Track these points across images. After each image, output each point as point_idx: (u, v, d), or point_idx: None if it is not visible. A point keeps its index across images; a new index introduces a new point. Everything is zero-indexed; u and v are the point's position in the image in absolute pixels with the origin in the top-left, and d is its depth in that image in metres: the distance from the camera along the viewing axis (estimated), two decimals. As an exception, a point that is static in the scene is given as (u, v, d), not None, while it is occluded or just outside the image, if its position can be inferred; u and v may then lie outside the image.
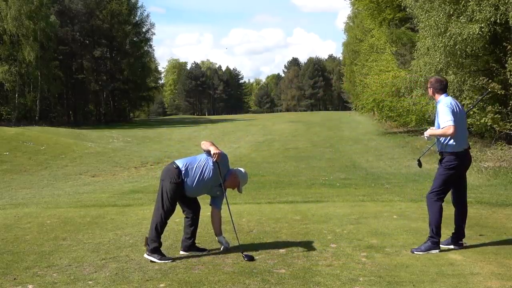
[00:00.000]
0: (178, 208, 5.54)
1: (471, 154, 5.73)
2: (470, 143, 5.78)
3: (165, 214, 5.33)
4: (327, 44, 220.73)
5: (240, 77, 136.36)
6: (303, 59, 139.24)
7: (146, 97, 66.22)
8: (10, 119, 44.72)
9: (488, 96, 14.78)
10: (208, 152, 5.43)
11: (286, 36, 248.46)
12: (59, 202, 10.92)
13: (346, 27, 58.26)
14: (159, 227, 5.32)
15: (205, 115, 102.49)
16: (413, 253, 5.32)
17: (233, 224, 5.61)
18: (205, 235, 6.27)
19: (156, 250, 5.25)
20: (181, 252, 5.55)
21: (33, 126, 38.59)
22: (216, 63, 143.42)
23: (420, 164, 6.14)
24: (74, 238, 6.49)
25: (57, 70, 51.22)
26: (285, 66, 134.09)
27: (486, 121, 15.12)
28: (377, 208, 8.24)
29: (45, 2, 47.92)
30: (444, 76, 14.85)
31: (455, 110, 5.38)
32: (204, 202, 5.82)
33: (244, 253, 5.22)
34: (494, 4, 14.06)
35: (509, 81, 14.87)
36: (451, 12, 15.30)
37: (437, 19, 15.59)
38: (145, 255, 5.28)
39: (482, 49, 15.89)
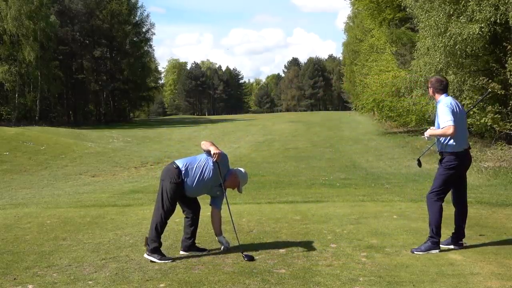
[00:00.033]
0: (178, 208, 5.54)
1: (471, 154, 5.72)
2: (470, 143, 5.78)
3: (165, 214, 5.33)
4: (327, 44, 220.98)
5: (240, 77, 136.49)
6: (303, 59, 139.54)
7: (146, 97, 66.24)
8: (10, 119, 44.72)
9: (488, 96, 14.78)
10: (208, 152, 5.43)
11: (286, 36, 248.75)
12: (59, 202, 10.92)
13: (346, 27, 58.29)
14: (159, 227, 5.32)
15: (205, 115, 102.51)
16: (413, 253, 5.32)
17: (233, 224, 5.61)
18: (205, 235, 6.27)
19: (156, 250, 5.25)
20: (181, 252, 5.55)
21: (33, 126, 38.59)
22: (216, 63, 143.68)
23: (419, 164, 6.14)
24: (74, 238, 6.49)
25: (57, 70, 51.23)
26: (285, 66, 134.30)
27: (486, 121, 15.12)
28: (377, 208, 8.24)
29: (45, 2, 47.92)
30: (444, 76, 14.85)
31: (455, 110, 5.38)
32: (204, 202, 5.82)
33: (244, 253, 5.22)
34: (494, 4, 14.06)
35: (509, 81, 14.87)
36: (451, 12, 15.30)
37: (437, 19, 15.59)
38: (145, 255, 5.28)
39: (482, 49, 15.89)
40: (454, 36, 14.94)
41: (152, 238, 5.28)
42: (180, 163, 5.42)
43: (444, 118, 5.29)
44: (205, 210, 5.91)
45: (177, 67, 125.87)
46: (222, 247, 5.56)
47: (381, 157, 20.60)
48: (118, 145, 29.76)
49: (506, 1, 13.73)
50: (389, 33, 29.61)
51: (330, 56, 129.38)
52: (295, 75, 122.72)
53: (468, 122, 12.53)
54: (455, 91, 15.88)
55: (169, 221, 5.46)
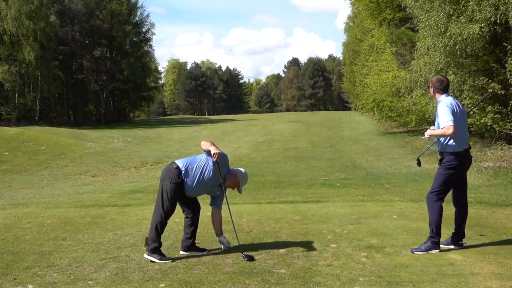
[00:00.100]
0: (178, 208, 5.54)
1: (471, 154, 5.72)
2: (470, 143, 5.78)
3: (165, 214, 5.33)
4: (327, 44, 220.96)
5: (240, 77, 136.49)
6: (303, 59, 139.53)
7: (146, 97, 66.24)
8: (10, 119, 44.72)
9: (488, 96, 14.79)
10: (208, 152, 5.43)
11: (286, 36, 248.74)
12: (59, 202, 10.92)
13: (346, 27, 58.31)
14: (159, 227, 5.32)
15: (205, 115, 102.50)
16: (413, 253, 5.32)
17: (233, 224, 5.61)
18: (205, 235, 6.27)
19: (156, 250, 5.25)
20: (181, 252, 5.55)
21: (33, 126, 38.60)
22: (216, 63, 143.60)
23: (419, 163, 6.13)
24: (74, 238, 6.49)
25: (57, 70, 51.23)
26: (285, 66, 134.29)
27: (486, 121, 15.12)
28: (377, 208, 8.24)
29: (45, 2, 47.92)
30: (445, 76, 14.84)
31: (455, 110, 5.38)
32: (204, 202, 5.82)
33: (244, 253, 5.22)
34: (494, 4, 14.06)
35: (509, 81, 14.87)
36: (451, 12, 15.30)
37: (437, 19, 15.60)
38: (145, 255, 5.28)
39: (482, 49, 15.90)
40: (454, 36, 14.94)
41: (152, 238, 5.28)
42: (180, 163, 5.42)
43: (444, 118, 5.29)
44: (205, 210, 5.91)
45: (177, 67, 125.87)
46: (223, 247, 5.56)
47: (381, 157, 20.60)
48: (118, 145, 29.76)
49: (506, 1, 13.73)
50: (389, 33, 29.61)
51: (330, 56, 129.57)
52: (295, 75, 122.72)
53: (468, 122, 12.54)
54: (455, 91, 15.88)
55: (169, 221, 5.46)
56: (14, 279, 4.74)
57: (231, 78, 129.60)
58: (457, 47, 15.12)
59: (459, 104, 5.58)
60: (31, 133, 29.15)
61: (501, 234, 6.21)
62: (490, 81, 14.87)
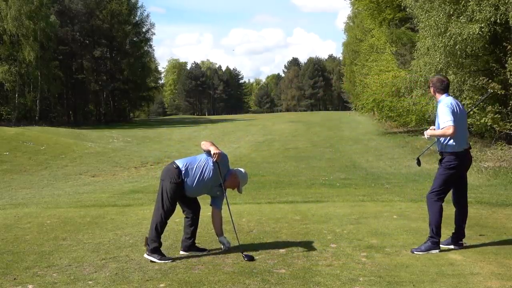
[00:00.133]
0: (178, 208, 5.54)
1: (471, 154, 5.72)
2: (470, 143, 5.77)
3: (165, 214, 5.33)
4: (327, 44, 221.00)
5: (240, 77, 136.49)
6: (303, 59, 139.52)
7: (146, 97, 66.24)
8: (10, 119, 44.72)
9: (489, 96, 14.79)
10: (208, 152, 5.43)
11: (286, 36, 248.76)
12: (59, 202, 10.92)
13: (346, 27, 58.32)
14: (159, 227, 5.32)
15: (205, 115, 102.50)
16: (413, 253, 5.32)
17: (233, 224, 5.61)
18: (205, 235, 6.27)
19: (156, 250, 5.25)
20: (181, 252, 5.55)
21: (33, 126, 38.60)
22: (216, 63, 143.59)
23: (419, 163, 6.13)
24: (74, 238, 6.49)
25: (57, 70, 51.22)
26: (285, 66, 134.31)
27: (486, 121, 15.12)
28: (377, 208, 8.24)
29: (45, 2, 47.92)
30: (445, 75, 14.85)
31: (455, 110, 5.38)
32: (204, 202, 5.82)
33: (244, 253, 5.21)
34: (494, 4, 14.06)
35: (509, 81, 14.87)
36: (451, 12, 15.30)
37: (437, 19, 15.60)
38: (145, 255, 5.28)
39: (482, 49, 15.90)
40: (454, 36, 14.94)
41: (152, 238, 5.28)
42: (180, 163, 5.42)
43: (444, 118, 5.29)
44: (205, 210, 5.91)
45: (177, 67, 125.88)
46: (223, 247, 5.56)
47: (381, 157, 20.60)
48: (118, 145, 29.76)
49: (506, 1, 13.73)
50: (389, 33, 29.61)
51: (330, 56, 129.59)
52: (295, 75, 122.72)
53: (468, 122, 12.55)
54: (455, 91, 15.88)
55: (169, 221, 5.46)
56: (14, 279, 4.74)
57: (231, 78, 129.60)
58: (457, 47, 15.12)
59: (459, 104, 5.58)
60: (31, 133, 29.16)
61: (501, 234, 6.21)
62: (490, 81, 14.87)
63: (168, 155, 24.23)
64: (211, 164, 5.40)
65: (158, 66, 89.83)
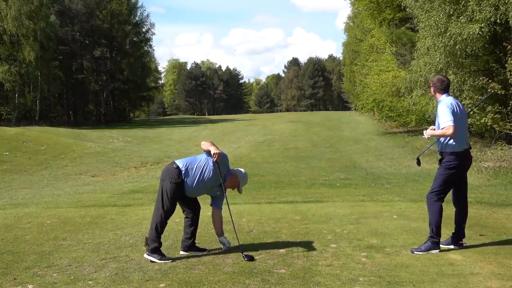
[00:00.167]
0: (178, 208, 5.54)
1: (471, 154, 5.72)
2: (470, 143, 5.77)
3: (165, 214, 5.33)
4: (327, 44, 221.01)
5: (240, 77, 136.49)
6: (303, 59, 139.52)
7: (146, 97, 66.24)
8: (10, 119, 44.71)
9: (489, 96, 14.79)
10: (208, 152, 5.43)
11: (286, 36, 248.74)
12: (59, 202, 10.92)
13: (346, 27, 58.34)
14: (159, 227, 5.32)
15: (205, 115, 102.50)
16: (413, 253, 5.32)
17: (233, 224, 5.61)
18: (205, 235, 6.27)
19: (156, 250, 5.25)
20: (181, 252, 5.55)
21: (33, 126, 38.60)
22: (216, 63, 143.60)
23: (419, 162, 6.12)
24: (74, 238, 6.49)
25: (57, 70, 51.22)
26: (285, 66, 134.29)
27: (486, 121, 15.11)
28: (377, 208, 8.24)
29: (45, 2, 47.92)
30: (445, 75, 14.84)
31: (455, 110, 5.38)
32: (204, 202, 5.82)
33: (244, 253, 5.21)
34: (494, 4, 14.06)
35: (509, 81, 14.87)
36: (451, 12, 15.30)
37: (437, 19, 15.59)
38: (145, 255, 5.28)
39: (482, 49, 15.89)
40: (454, 36, 14.94)
41: (152, 238, 5.28)
42: (180, 163, 5.42)
43: (444, 119, 5.29)
44: (205, 210, 5.91)
45: (177, 67, 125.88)
46: (223, 247, 5.56)
47: (381, 157, 20.60)
48: (118, 145, 29.76)
49: (506, 1, 13.73)
50: (389, 33, 29.61)
51: (330, 56, 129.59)
52: (295, 75, 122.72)
53: (468, 122, 12.55)
54: (455, 91, 15.87)
55: (169, 221, 5.46)
56: (14, 279, 4.74)
57: (231, 78, 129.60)
58: (457, 47, 15.12)
59: (460, 104, 5.58)
60: (31, 133, 29.15)
61: (501, 234, 6.21)
62: (490, 81, 14.87)
63: (168, 155, 24.23)
64: (211, 164, 5.40)
65: (158, 66, 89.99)
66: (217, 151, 5.32)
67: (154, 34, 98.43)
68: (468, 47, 15.03)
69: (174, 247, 5.78)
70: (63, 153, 24.35)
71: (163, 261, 5.17)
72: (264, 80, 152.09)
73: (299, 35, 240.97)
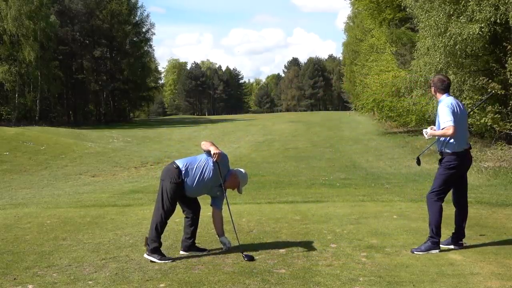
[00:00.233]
0: (178, 208, 5.54)
1: (471, 154, 5.72)
2: (470, 143, 5.77)
3: (165, 214, 5.33)
4: (327, 44, 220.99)
5: (240, 77, 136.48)
6: (303, 59, 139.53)
7: (146, 97, 66.23)
8: (10, 119, 44.70)
9: (489, 96, 14.79)
10: (208, 152, 5.43)
11: (286, 36, 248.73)
12: (59, 202, 10.92)
13: (346, 27, 58.35)
14: (159, 227, 5.32)
15: (205, 115, 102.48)
16: (413, 253, 5.32)
17: (233, 224, 5.61)
18: (205, 235, 6.27)
19: (156, 250, 5.25)
20: (181, 252, 5.55)
21: (33, 126, 38.59)
22: (216, 63, 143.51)
23: (419, 162, 6.12)
24: (74, 238, 6.49)
25: (57, 70, 51.21)
26: (285, 66, 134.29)
27: (486, 121, 15.11)
28: (377, 208, 8.24)
29: (45, 2, 47.91)
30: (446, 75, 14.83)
31: (456, 110, 5.38)
32: (204, 202, 5.82)
33: (244, 253, 5.21)
34: (494, 4, 14.06)
35: (509, 81, 14.87)
36: (451, 12, 15.30)
37: (437, 19, 15.59)
38: (145, 255, 5.28)
39: (482, 49, 15.89)
40: (454, 36, 14.94)
41: (152, 238, 5.28)
42: (180, 163, 5.42)
43: (444, 119, 5.29)
44: (205, 210, 5.91)
45: (177, 67, 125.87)
46: (224, 247, 5.56)
47: (381, 157, 20.60)
48: (118, 145, 29.76)
49: (506, 1, 13.73)
50: (389, 33, 29.61)
51: (330, 56, 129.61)
52: (295, 75, 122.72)
53: (468, 122, 12.54)
54: (455, 91, 15.87)
55: (169, 221, 5.46)
56: (14, 279, 4.74)
57: (231, 78, 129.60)
58: (457, 47, 15.12)
59: (460, 104, 5.58)
60: (31, 133, 29.15)
61: (501, 234, 6.21)
62: (490, 81, 14.87)
63: (168, 155, 24.23)
64: (211, 164, 5.40)
65: (158, 66, 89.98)
66: (217, 151, 5.32)
67: (154, 34, 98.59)
68: (468, 47, 15.03)
69: (174, 247, 5.78)
70: (63, 153, 24.35)
71: (163, 261, 5.17)
72: (264, 80, 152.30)
73: (299, 35, 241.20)
